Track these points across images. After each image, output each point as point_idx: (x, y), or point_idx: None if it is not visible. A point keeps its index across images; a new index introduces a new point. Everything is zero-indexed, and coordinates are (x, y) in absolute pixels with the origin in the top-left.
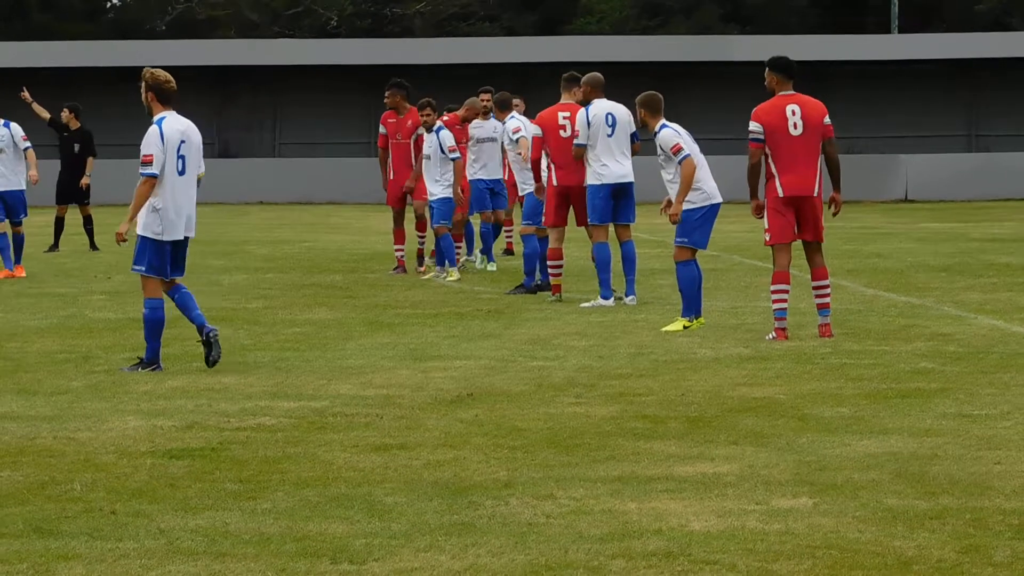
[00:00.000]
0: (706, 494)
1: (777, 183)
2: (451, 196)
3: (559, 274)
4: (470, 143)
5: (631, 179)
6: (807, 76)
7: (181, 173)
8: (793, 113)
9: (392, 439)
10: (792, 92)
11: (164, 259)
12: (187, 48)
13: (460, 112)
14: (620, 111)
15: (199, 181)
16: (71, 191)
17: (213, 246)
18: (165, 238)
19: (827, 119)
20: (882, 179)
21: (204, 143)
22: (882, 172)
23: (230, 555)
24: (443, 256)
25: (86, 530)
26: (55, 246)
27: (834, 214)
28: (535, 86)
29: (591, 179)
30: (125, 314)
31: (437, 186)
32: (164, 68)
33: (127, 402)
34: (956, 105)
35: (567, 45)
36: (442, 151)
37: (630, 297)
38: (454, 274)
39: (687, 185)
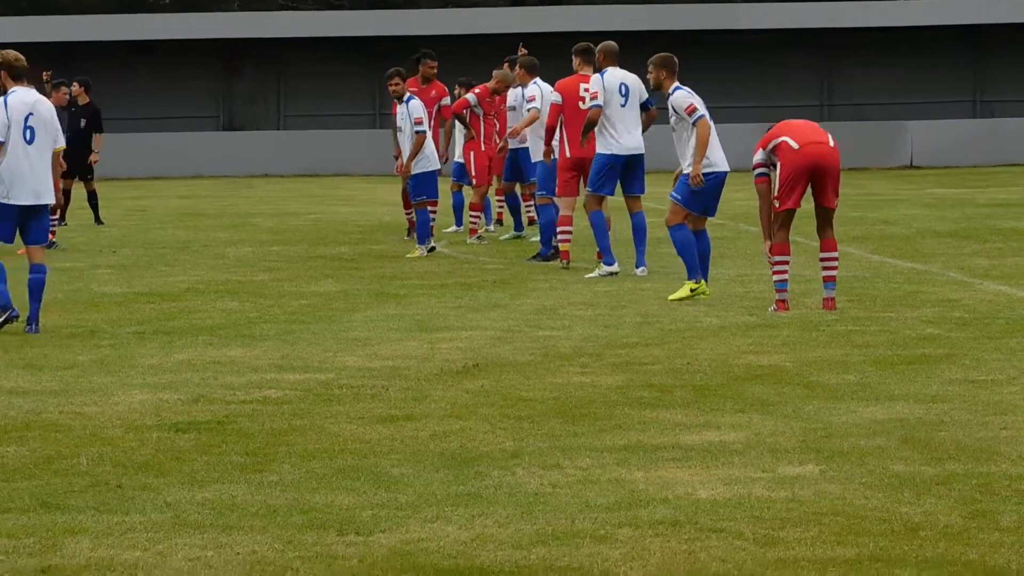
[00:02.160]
0: (713, 462)
1: (790, 142)
2: (428, 170)
3: (568, 241)
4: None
5: (642, 151)
6: (813, 43)
7: (29, 142)
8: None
9: (398, 410)
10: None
11: (10, 223)
12: (191, 21)
13: (491, 84)
14: (632, 80)
15: (60, 155)
16: (76, 166)
17: (219, 219)
18: (11, 201)
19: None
20: (888, 145)
21: (209, 116)
22: (888, 138)
23: (237, 528)
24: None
25: (93, 504)
26: (62, 220)
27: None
28: (541, 56)
29: (601, 147)
30: (131, 288)
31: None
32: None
33: (133, 376)
34: (962, 71)
35: (573, 14)
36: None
37: (641, 268)
38: (416, 252)
39: (703, 145)
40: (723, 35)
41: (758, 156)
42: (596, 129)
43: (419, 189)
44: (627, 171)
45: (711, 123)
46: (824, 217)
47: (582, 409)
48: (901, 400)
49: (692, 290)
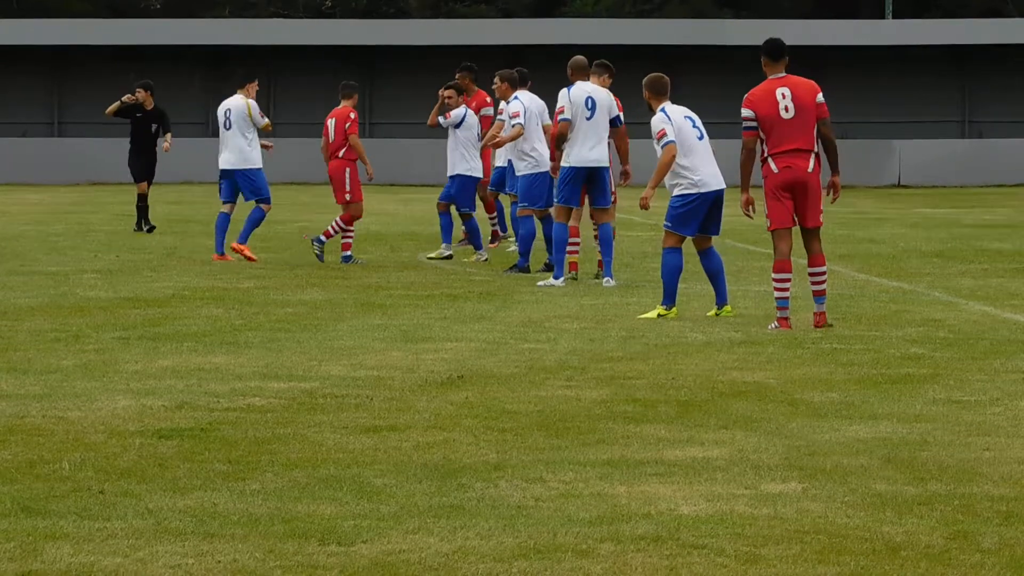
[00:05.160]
0: (695, 478)
1: (771, 162)
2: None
3: (576, 251)
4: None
5: (605, 163)
6: (801, 61)
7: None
8: (783, 96)
9: (382, 421)
10: (783, 75)
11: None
12: (182, 27)
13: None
14: (601, 95)
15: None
16: (148, 171)
17: (206, 225)
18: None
19: (820, 97)
20: (875, 165)
21: (198, 122)
22: (875, 157)
23: (218, 536)
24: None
25: (74, 509)
26: (149, 225)
27: (832, 200)
28: (531, 68)
29: (563, 160)
30: (116, 293)
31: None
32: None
33: (117, 381)
34: (949, 91)
35: (563, 27)
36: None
37: (606, 279)
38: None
39: (659, 171)
40: (713, 51)
41: (746, 112)
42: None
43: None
44: (591, 183)
45: (701, 143)
46: (809, 235)
47: (566, 423)
48: (884, 419)
49: (660, 315)
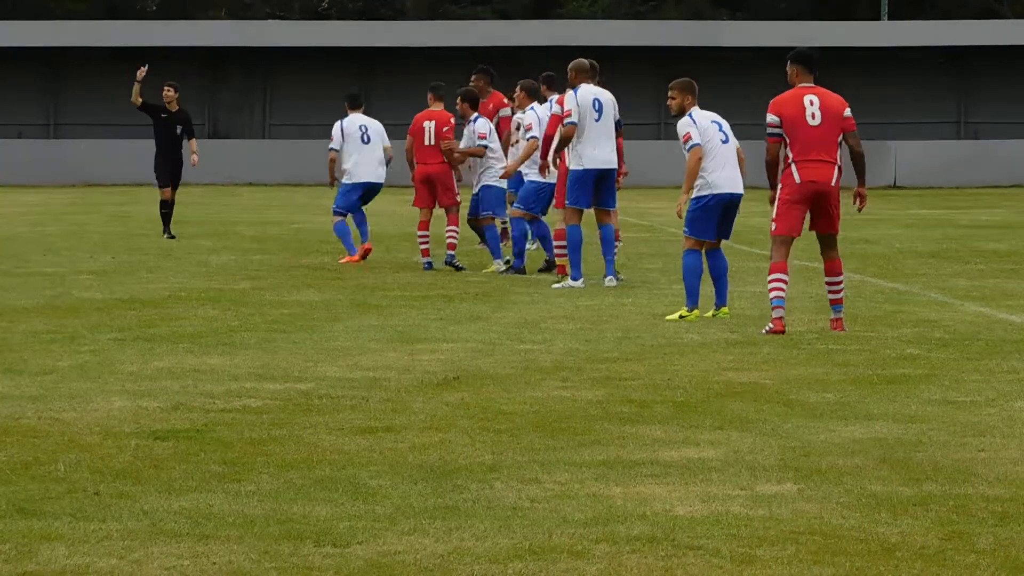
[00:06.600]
0: (691, 479)
1: (794, 170)
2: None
3: (564, 253)
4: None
5: (614, 165)
6: None
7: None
8: (811, 103)
9: (378, 422)
10: (812, 85)
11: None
12: (178, 29)
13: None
14: (606, 97)
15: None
16: (172, 174)
17: (202, 226)
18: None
19: (847, 112)
20: (871, 165)
21: (196, 124)
22: (871, 158)
23: (213, 537)
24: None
25: (69, 511)
26: (169, 233)
27: (859, 210)
28: (527, 69)
29: (574, 163)
30: (112, 294)
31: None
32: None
33: (112, 382)
34: (946, 92)
35: (559, 28)
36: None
37: (609, 278)
38: (492, 267)
39: (690, 176)
40: (708, 52)
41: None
42: (569, 144)
43: (486, 204)
44: (599, 184)
45: (723, 147)
46: (826, 242)
47: (561, 423)
48: (880, 420)
49: (681, 316)
